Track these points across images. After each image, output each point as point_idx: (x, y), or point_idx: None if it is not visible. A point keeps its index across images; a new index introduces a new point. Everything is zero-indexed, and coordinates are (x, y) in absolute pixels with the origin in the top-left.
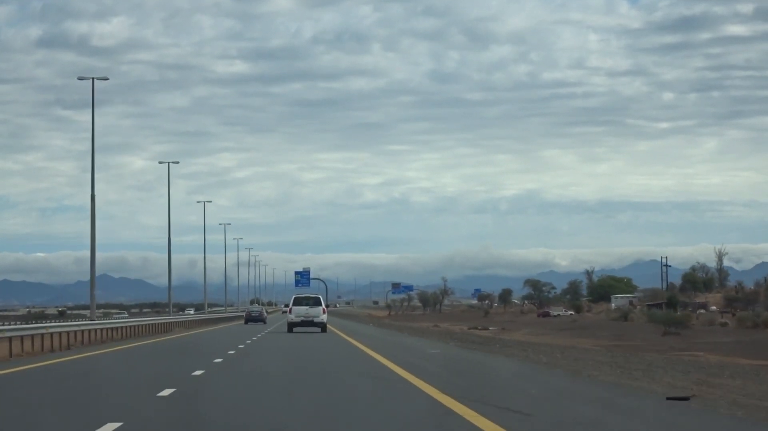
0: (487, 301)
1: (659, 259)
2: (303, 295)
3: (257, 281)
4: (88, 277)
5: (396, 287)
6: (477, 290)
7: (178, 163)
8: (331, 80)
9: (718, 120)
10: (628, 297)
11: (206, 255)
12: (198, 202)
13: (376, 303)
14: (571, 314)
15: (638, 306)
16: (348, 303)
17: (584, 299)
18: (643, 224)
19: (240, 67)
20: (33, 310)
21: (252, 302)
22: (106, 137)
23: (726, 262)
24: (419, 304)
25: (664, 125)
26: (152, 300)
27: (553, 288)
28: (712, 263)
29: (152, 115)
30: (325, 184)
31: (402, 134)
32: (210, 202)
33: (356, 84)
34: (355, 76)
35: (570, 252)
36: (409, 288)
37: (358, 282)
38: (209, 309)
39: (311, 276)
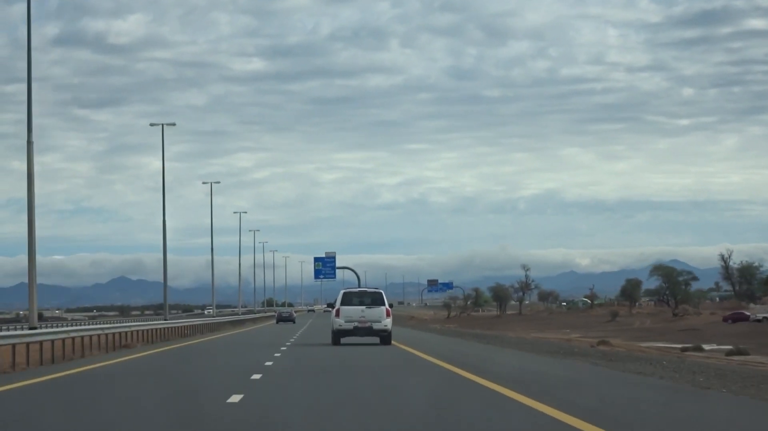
0: (550, 299)
1: (680, 260)
2: (356, 290)
3: (274, 282)
4: (105, 280)
5: (432, 284)
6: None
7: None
8: (348, 77)
9: (739, 116)
10: None
11: (221, 256)
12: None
13: (401, 303)
14: None
15: None
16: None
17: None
18: (663, 224)
19: (257, 64)
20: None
21: (264, 303)
22: (123, 137)
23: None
24: (467, 303)
25: (684, 122)
26: (174, 302)
27: (695, 278)
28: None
29: (169, 114)
30: (344, 184)
31: (420, 132)
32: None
33: (374, 81)
34: (373, 73)
35: (589, 252)
36: (448, 286)
37: (377, 282)
38: (219, 311)
39: (336, 264)
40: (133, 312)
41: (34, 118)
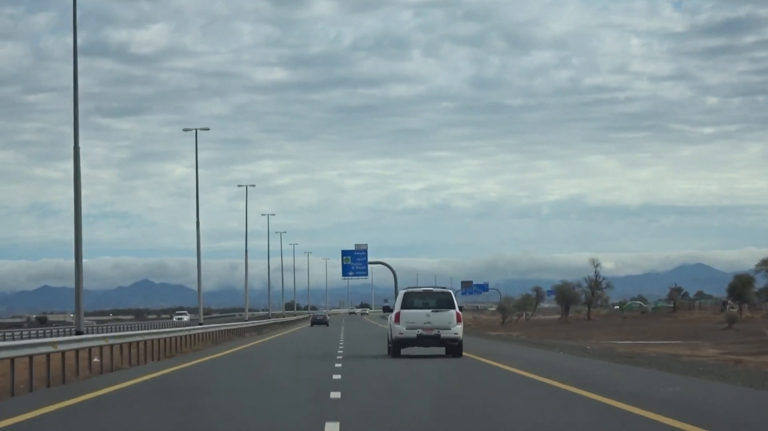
0: (599, 302)
1: (704, 263)
2: (419, 290)
3: (295, 285)
4: (128, 283)
5: (467, 286)
6: (550, 292)
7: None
8: (371, 86)
9: (763, 124)
10: None
11: (246, 259)
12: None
13: None
14: None
15: None
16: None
17: None
18: (688, 228)
19: (279, 74)
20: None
21: (283, 307)
22: (147, 145)
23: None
24: (526, 305)
25: (708, 130)
26: (195, 305)
27: None
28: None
29: (192, 123)
30: (367, 190)
31: (443, 140)
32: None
33: (396, 90)
34: (395, 82)
35: (614, 256)
36: (483, 287)
37: (409, 284)
38: (209, 317)
39: (369, 259)
40: (150, 316)
41: (57, 127)
